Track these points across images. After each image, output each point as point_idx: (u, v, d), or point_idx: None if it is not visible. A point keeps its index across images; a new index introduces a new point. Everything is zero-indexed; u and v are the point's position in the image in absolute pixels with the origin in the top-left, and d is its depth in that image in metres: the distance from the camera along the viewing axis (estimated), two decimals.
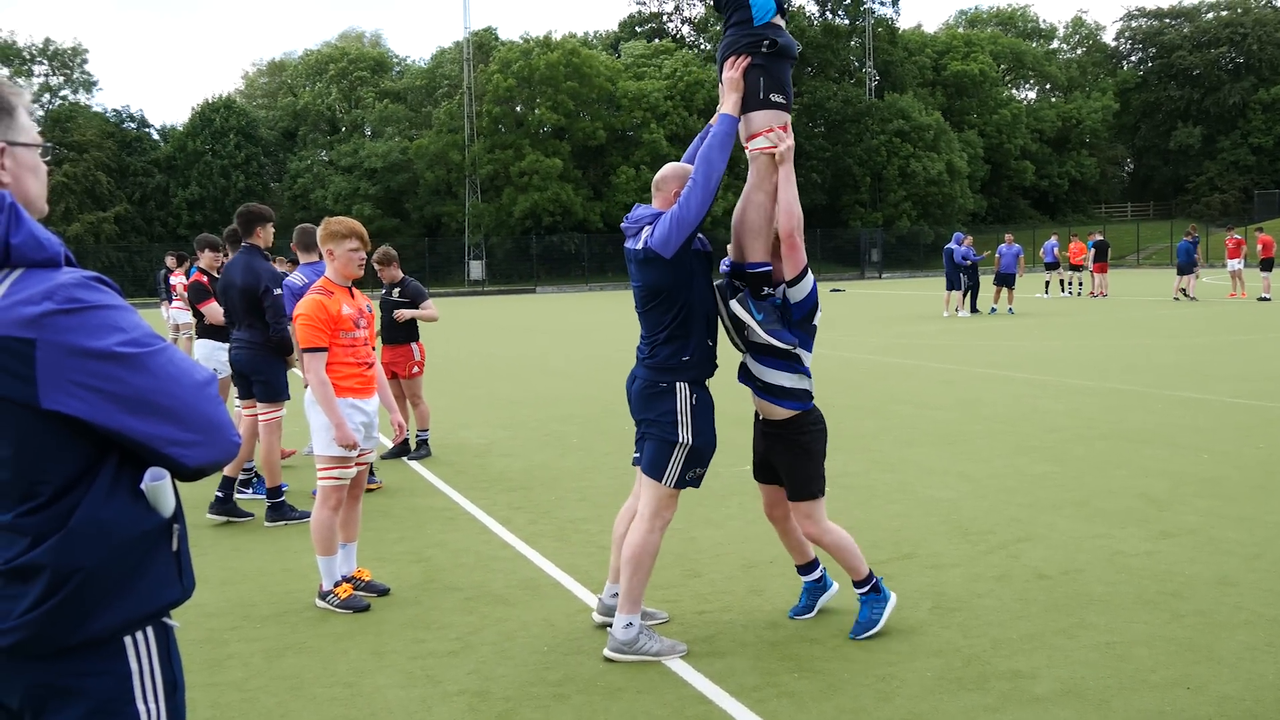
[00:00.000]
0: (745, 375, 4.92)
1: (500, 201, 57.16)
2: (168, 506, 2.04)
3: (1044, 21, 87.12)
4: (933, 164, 62.96)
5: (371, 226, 56.53)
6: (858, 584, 5.00)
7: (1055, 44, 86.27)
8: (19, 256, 1.90)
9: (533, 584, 5.97)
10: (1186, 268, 28.89)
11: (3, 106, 2.04)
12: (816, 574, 5.25)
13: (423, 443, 10.03)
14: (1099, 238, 33.76)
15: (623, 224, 4.82)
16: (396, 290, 10.14)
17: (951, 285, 25.85)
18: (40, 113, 62.70)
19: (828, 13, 69.97)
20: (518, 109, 59.51)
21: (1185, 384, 12.93)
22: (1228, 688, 4.27)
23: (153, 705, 2.05)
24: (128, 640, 2.02)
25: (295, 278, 8.35)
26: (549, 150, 56.76)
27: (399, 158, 58.78)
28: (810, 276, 4.76)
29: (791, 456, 4.86)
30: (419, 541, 7.02)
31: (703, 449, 4.76)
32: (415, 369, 10.04)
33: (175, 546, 2.08)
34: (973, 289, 26.59)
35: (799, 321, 4.74)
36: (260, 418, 7.84)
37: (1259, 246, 29.34)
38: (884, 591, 5.03)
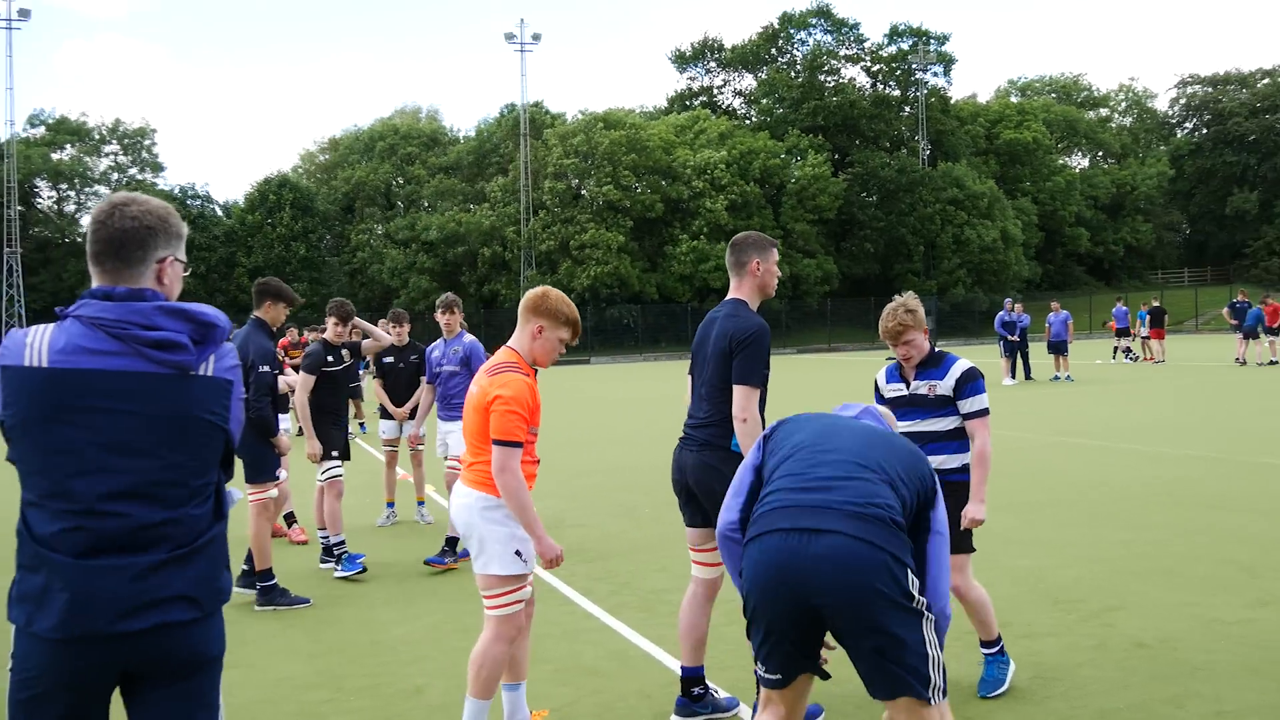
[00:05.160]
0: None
1: (558, 275, 57.64)
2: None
3: (1096, 90, 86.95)
4: (987, 232, 62.81)
5: (428, 300, 57.35)
6: (987, 644, 5.13)
7: (1106, 111, 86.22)
8: (220, 338, 2.79)
9: (623, 655, 5.97)
10: (1251, 331, 28.77)
11: (180, 234, 2.84)
12: (997, 647, 5.21)
13: None
14: (1155, 304, 33.56)
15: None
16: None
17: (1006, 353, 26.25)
18: (108, 191, 64.60)
19: (879, 83, 70.53)
20: (575, 183, 60.25)
21: (1257, 450, 12.73)
22: None
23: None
24: None
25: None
26: (610, 224, 57.27)
27: (455, 229, 59.54)
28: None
29: (954, 508, 4.81)
30: None
31: None
32: None
33: None
34: (1021, 356, 26.69)
35: None
36: (249, 498, 7.45)
37: (1265, 313, 29.00)
38: (1006, 654, 5.17)
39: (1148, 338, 32.88)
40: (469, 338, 9.23)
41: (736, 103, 74.79)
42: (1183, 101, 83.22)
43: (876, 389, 5.37)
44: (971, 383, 5.02)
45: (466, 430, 4.66)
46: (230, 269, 59.81)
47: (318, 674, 5.93)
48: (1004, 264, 63.89)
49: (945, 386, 5.02)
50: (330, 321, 8.57)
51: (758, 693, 3.46)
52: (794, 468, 3.41)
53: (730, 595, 5.38)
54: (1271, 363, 28.47)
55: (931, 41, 69.48)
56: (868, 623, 3.06)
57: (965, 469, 5.08)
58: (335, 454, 8.40)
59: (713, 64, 74.58)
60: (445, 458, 9.24)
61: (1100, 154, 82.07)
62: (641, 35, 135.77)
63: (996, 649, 5.13)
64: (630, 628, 6.48)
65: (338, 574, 8.21)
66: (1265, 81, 78.16)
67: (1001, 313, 26.53)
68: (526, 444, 4.54)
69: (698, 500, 4.91)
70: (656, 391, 28.81)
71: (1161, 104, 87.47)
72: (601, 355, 54.85)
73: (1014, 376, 26.16)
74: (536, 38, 60.79)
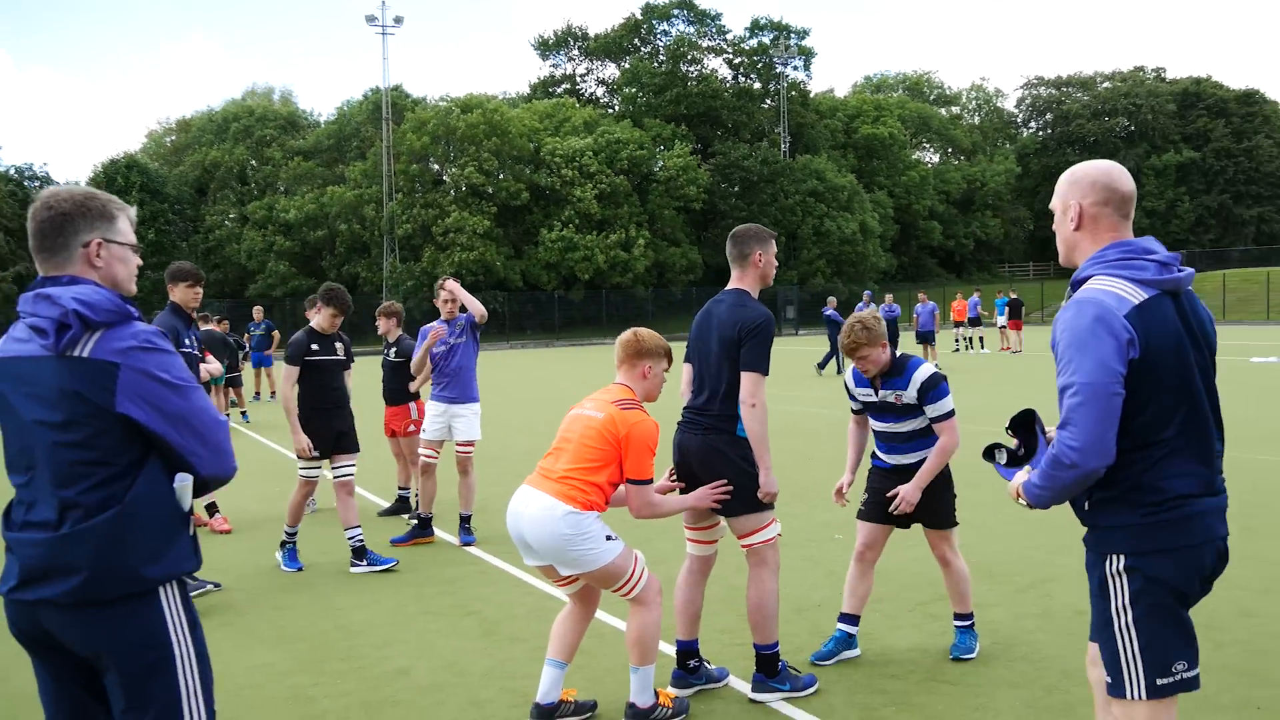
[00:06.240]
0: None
1: (421, 262, 56.83)
2: (187, 502, 2.85)
3: (949, 88, 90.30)
4: (846, 224, 64.51)
5: (287, 286, 55.94)
6: (961, 616, 5.55)
7: (957, 109, 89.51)
8: (96, 322, 2.72)
9: (596, 633, 6.12)
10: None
11: (106, 215, 2.90)
12: (854, 629, 5.64)
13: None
14: (1013, 295, 35.13)
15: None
16: (393, 350, 10.29)
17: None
18: None
19: (740, 76, 71.69)
20: (435, 167, 59.54)
21: None
22: None
23: (183, 636, 2.81)
24: (161, 590, 2.79)
25: None
26: (474, 209, 56.66)
27: (313, 210, 58.08)
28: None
29: (940, 488, 5.49)
30: (462, 596, 7.15)
31: None
32: (412, 427, 10.15)
33: (191, 532, 2.91)
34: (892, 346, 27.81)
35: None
36: None
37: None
38: (975, 629, 5.62)
39: (1005, 327, 34.46)
40: (464, 313, 9.30)
41: (600, 91, 75.11)
42: (1028, 102, 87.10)
43: (848, 389, 5.70)
44: (934, 389, 5.34)
45: (569, 444, 4.86)
46: None
47: (295, 660, 5.96)
48: (862, 255, 65.74)
49: (909, 396, 5.36)
50: (328, 312, 8.20)
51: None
52: (1193, 437, 3.05)
53: (715, 573, 5.64)
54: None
55: (792, 35, 70.92)
56: None
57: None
58: (316, 454, 8.08)
59: (576, 52, 74.66)
60: (428, 442, 8.98)
61: (951, 150, 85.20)
62: (505, 22, 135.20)
63: (969, 622, 5.56)
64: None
65: (283, 566, 8.22)
66: (1105, 85, 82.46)
67: (884, 306, 27.53)
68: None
69: (700, 482, 5.11)
70: (537, 377, 28.90)
71: (1010, 104, 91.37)
72: None
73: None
74: (399, 20, 59.94)
